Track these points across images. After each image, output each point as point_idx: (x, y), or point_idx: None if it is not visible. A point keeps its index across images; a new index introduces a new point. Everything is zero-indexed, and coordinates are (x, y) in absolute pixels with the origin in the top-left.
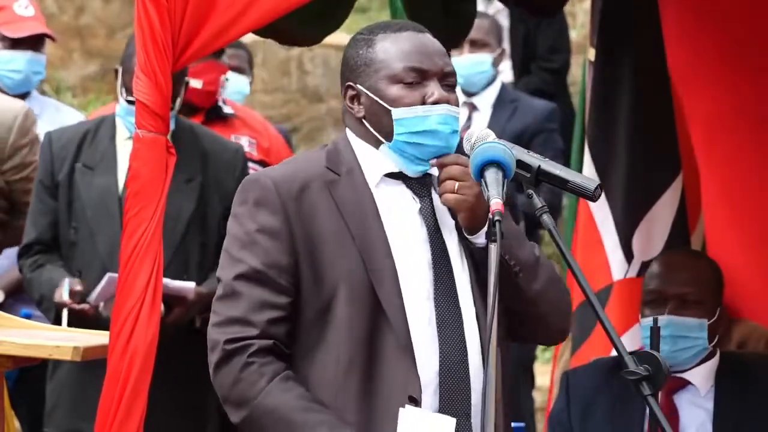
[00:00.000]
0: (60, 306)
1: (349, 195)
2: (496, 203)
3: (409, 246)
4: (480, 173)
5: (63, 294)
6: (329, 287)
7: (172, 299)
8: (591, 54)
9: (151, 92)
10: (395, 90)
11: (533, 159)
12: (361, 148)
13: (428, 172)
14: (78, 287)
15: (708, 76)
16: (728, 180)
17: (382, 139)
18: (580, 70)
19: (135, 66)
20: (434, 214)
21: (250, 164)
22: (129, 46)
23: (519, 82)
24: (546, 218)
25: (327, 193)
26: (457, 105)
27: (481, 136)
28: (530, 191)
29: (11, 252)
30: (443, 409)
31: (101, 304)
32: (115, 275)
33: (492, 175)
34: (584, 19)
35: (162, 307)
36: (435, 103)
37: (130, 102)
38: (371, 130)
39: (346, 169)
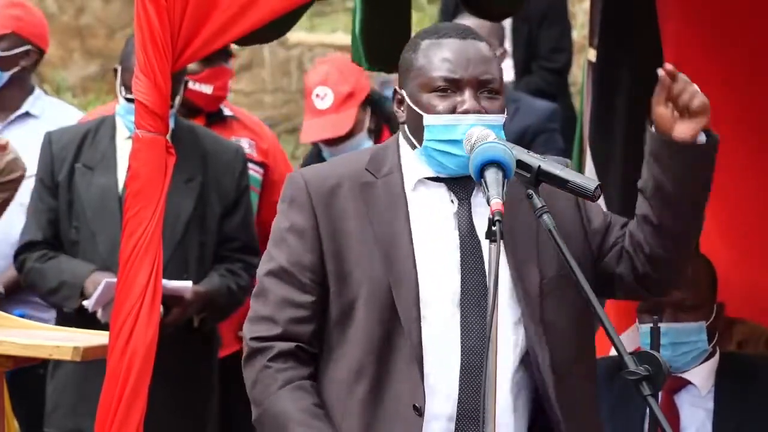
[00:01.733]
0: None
1: (381, 198)
2: (496, 203)
3: (438, 250)
4: (480, 173)
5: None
6: (352, 288)
7: (169, 299)
8: (591, 54)
9: (150, 92)
10: (427, 98)
11: (533, 159)
12: (405, 150)
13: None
14: None
15: (707, 78)
16: (725, 181)
17: (417, 144)
18: (580, 71)
19: (134, 65)
20: (470, 217)
21: (250, 165)
22: (128, 45)
23: (520, 82)
24: (546, 218)
25: (359, 194)
26: (500, 111)
27: (481, 136)
28: (530, 191)
29: (7, 252)
30: (461, 416)
31: (99, 311)
32: (113, 281)
33: (492, 175)
34: (584, 19)
35: (161, 308)
36: (465, 112)
37: (129, 100)
38: (408, 134)
39: (386, 170)
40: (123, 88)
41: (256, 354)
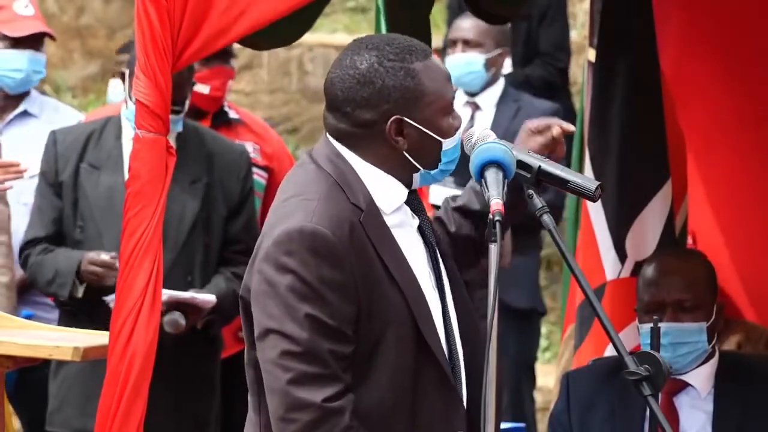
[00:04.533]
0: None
1: (377, 231)
2: (496, 203)
3: (422, 271)
4: (480, 173)
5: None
6: (378, 328)
7: (188, 308)
8: (591, 54)
9: (151, 92)
10: (447, 121)
11: (533, 159)
12: (374, 175)
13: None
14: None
15: (708, 78)
16: (727, 181)
17: (420, 167)
18: (580, 71)
19: None
20: (432, 227)
21: (254, 170)
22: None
23: (525, 70)
24: (546, 218)
25: (363, 233)
26: None
27: (482, 136)
28: (530, 191)
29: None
30: None
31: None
32: None
33: (492, 176)
34: (584, 19)
35: (183, 319)
36: (459, 126)
37: None
38: (412, 161)
39: (362, 201)
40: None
41: (331, 416)
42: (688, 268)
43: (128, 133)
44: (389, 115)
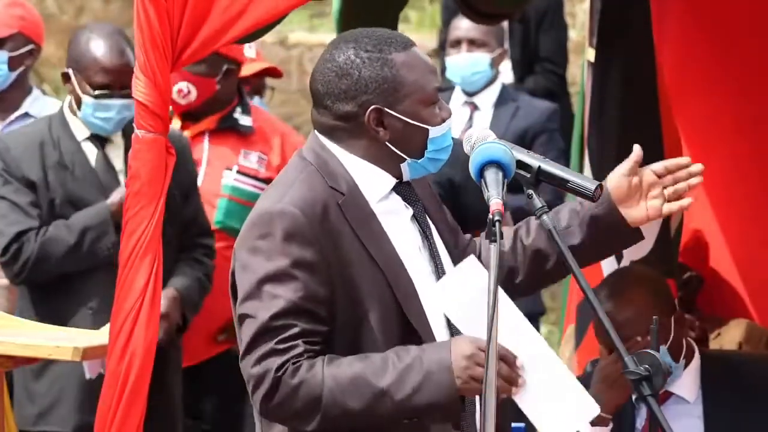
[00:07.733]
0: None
1: (358, 215)
2: (496, 203)
3: (413, 256)
4: (480, 173)
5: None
6: (359, 310)
7: None
8: (590, 54)
9: (150, 92)
10: (429, 111)
11: (533, 159)
12: (359, 165)
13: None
14: None
15: (707, 78)
16: (728, 180)
17: (406, 157)
18: (579, 71)
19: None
20: (426, 218)
21: (254, 182)
22: (78, 44)
23: (526, 82)
24: (546, 218)
25: (341, 215)
26: None
27: (481, 136)
28: (530, 191)
29: None
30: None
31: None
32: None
33: (492, 175)
34: (584, 19)
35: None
36: (449, 116)
37: (96, 97)
38: (396, 150)
39: (345, 186)
40: (87, 86)
41: (280, 379)
42: (633, 304)
43: (81, 131)
44: (368, 106)
